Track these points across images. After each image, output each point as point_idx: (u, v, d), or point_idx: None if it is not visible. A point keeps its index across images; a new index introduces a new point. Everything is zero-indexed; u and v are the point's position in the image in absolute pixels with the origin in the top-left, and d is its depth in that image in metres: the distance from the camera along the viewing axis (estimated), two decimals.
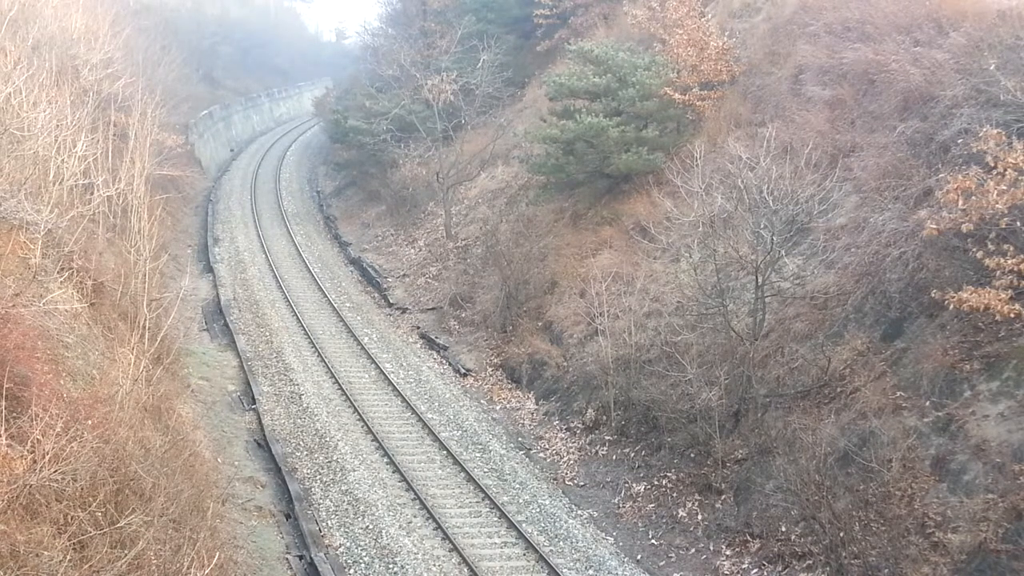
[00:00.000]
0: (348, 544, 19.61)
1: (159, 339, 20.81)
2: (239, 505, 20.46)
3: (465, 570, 18.67)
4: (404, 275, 39.83)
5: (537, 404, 27.32)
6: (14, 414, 12.85)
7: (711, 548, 19.31)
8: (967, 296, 17.21)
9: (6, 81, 22.22)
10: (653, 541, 20.12)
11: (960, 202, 17.85)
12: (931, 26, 24.79)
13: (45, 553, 11.26)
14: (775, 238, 20.82)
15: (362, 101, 50.70)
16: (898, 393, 18.35)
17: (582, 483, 22.94)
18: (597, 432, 24.43)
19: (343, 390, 27.77)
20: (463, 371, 30.12)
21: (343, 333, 33.54)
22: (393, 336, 33.79)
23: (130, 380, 16.98)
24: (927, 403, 17.71)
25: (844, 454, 18.06)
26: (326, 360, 30.16)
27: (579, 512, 21.53)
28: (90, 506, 12.52)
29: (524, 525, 20.39)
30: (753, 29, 33.11)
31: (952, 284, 18.03)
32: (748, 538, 18.91)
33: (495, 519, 20.83)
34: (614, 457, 23.43)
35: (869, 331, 20.05)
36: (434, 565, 18.84)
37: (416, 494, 21.52)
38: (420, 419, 25.90)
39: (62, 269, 20.37)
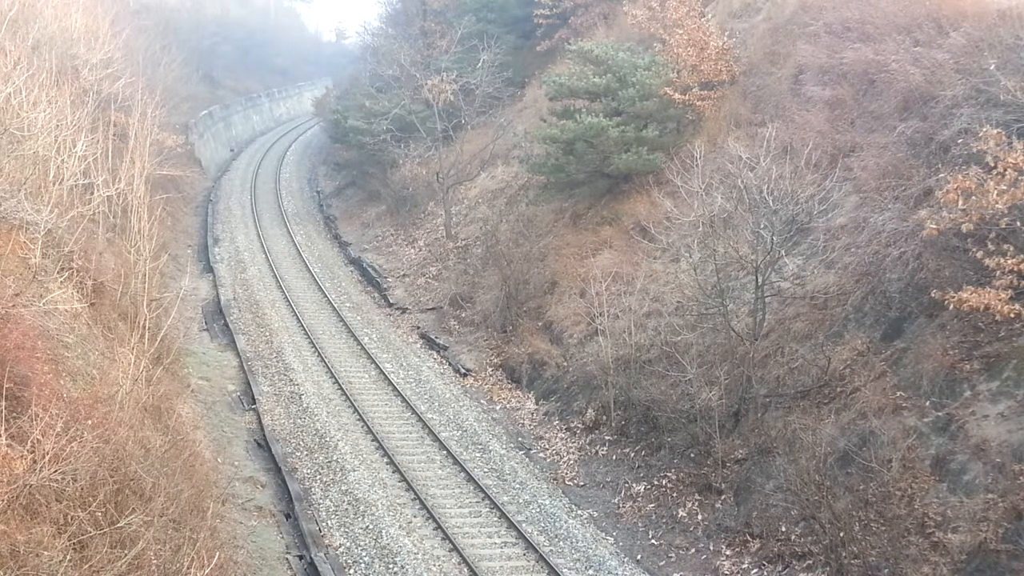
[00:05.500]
0: (348, 544, 19.61)
1: (159, 339, 20.80)
2: (239, 505, 20.46)
3: (465, 570, 18.67)
4: (404, 275, 39.83)
5: (537, 404, 27.32)
6: (14, 414, 12.85)
7: (711, 548, 19.31)
8: (967, 296, 17.20)
9: (6, 81, 22.22)
10: (653, 541, 20.12)
11: (960, 202, 17.84)
12: (931, 26, 24.78)
13: (45, 553, 11.26)
14: (775, 238, 20.82)
15: (362, 101, 50.70)
16: (898, 393, 18.35)
17: (582, 483, 22.94)
18: (597, 432, 24.43)
19: (343, 390, 27.77)
20: (463, 371, 30.12)
21: (343, 333, 33.54)
22: (393, 336, 33.79)
23: (130, 380, 16.98)
24: (927, 403, 17.71)
25: (844, 454, 18.06)
26: (326, 360, 30.16)
27: (579, 512, 21.53)
28: (90, 506, 12.51)
29: (524, 525, 20.39)
30: (753, 29, 33.11)
31: (952, 284, 18.03)
32: (748, 538, 18.91)
33: (495, 519, 20.83)
34: (614, 457, 23.43)
35: (869, 331, 20.04)
36: (434, 565, 18.84)
37: (416, 494, 21.52)
38: (420, 419, 25.90)
39: (62, 269, 20.36)
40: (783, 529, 18.36)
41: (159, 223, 29.76)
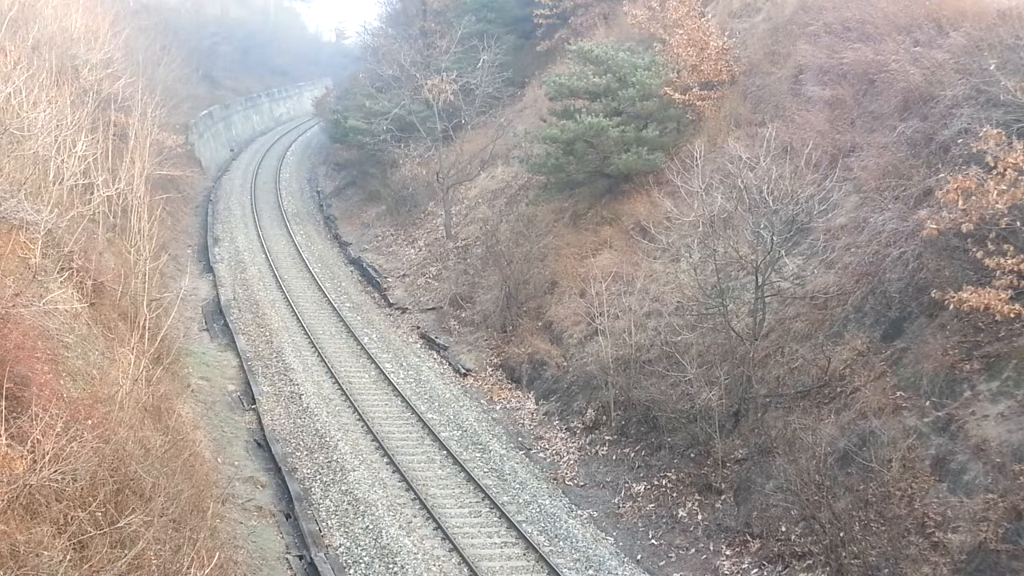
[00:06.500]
0: (348, 544, 19.61)
1: (159, 339, 20.80)
2: (239, 505, 20.46)
3: (465, 570, 18.66)
4: (404, 275, 39.83)
5: (537, 404, 27.32)
6: (14, 414, 12.85)
7: (711, 548, 19.31)
8: (967, 296, 17.21)
9: (6, 81, 22.24)
10: (653, 541, 20.12)
11: (960, 202, 17.85)
12: (931, 26, 24.79)
13: (45, 553, 11.26)
14: (775, 238, 20.82)
15: (362, 101, 50.72)
16: (898, 393, 18.36)
17: (582, 483, 22.93)
18: (597, 432, 24.43)
19: (343, 390, 27.77)
20: (463, 371, 30.12)
21: (343, 333, 33.54)
22: (393, 336, 33.79)
23: (130, 380, 16.97)
24: (927, 403, 17.71)
25: (844, 454, 18.06)
26: (326, 360, 30.16)
27: (579, 512, 21.53)
28: (90, 506, 12.52)
29: (524, 525, 20.38)
30: (753, 29, 33.12)
31: (952, 284, 18.03)
32: (748, 538, 18.91)
33: (495, 519, 20.83)
34: (614, 457, 23.43)
35: (869, 331, 20.05)
36: (434, 565, 18.84)
37: (416, 494, 21.52)
38: (420, 419, 25.90)
39: (62, 269, 20.37)
40: (783, 529, 18.37)
41: (159, 223, 29.77)
